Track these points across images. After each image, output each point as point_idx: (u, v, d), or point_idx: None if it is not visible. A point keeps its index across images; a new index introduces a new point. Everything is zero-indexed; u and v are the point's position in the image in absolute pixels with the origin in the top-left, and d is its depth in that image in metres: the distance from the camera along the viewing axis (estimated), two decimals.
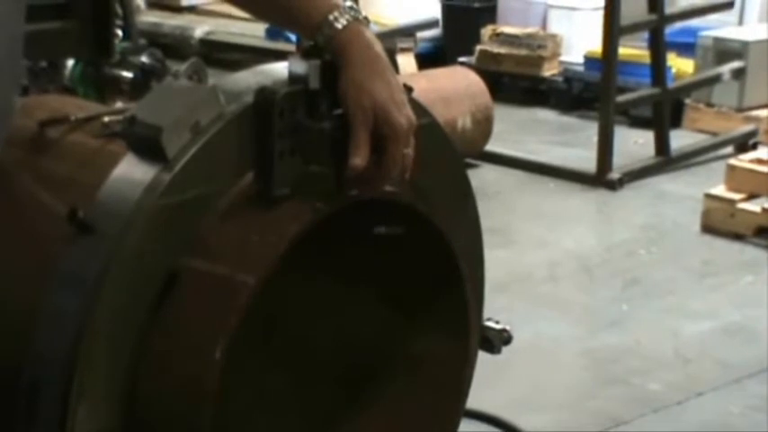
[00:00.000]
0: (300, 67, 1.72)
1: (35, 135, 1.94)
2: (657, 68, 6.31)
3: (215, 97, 1.72)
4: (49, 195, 1.86)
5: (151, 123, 1.68)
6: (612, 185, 5.92)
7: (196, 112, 1.70)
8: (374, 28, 1.78)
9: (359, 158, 1.68)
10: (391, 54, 5.46)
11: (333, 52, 1.71)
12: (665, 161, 6.26)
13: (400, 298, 1.95)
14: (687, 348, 4.22)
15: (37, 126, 1.94)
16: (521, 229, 5.41)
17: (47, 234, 1.79)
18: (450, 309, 1.91)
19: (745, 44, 6.88)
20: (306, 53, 1.73)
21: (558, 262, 5.00)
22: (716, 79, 6.78)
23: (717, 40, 7.00)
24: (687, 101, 6.97)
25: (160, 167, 1.67)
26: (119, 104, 3.89)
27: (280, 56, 1.90)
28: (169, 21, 8.67)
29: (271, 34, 7.93)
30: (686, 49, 7.14)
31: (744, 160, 5.56)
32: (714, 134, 6.73)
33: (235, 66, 2.89)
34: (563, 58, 7.41)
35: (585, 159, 6.11)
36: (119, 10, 4.62)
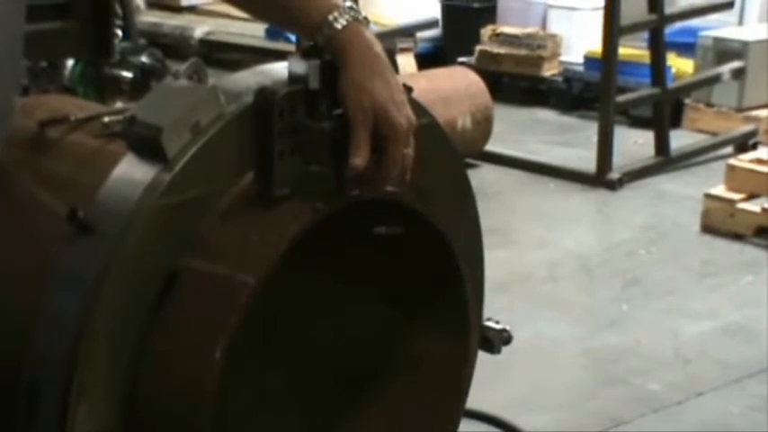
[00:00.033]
0: (300, 67, 1.72)
1: (35, 135, 1.94)
2: (657, 68, 6.31)
3: (215, 97, 1.72)
4: (49, 195, 1.86)
5: (151, 123, 1.68)
6: (612, 185, 5.92)
7: (196, 112, 1.70)
8: (374, 28, 1.78)
9: (359, 158, 1.68)
10: (391, 54, 5.47)
11: (332, 52, 1.71)
12: (665, 161, 6.26)
13: (400, 298, 1.95)
14: (687, 348, 4.22)
15: (37, 126, 1.94)
16: (521, 229, 5.41)
17: (47, 234, 1.79)
18: (450, 309, 1.91)
19: (745, 44, 6.88)
20: (306, 53, 1.73)
21: (558, 262, 5.00)
22: (716, 79, 6.78)
23: (717, 40, 7.00)
24: (687, 101, 6.97)
25: (160, 167, 1.67)
26: (119, 104, 3.88)
27: (280, 56, 1.89)
28: (169, 21, 8.67)
29: (271, 34, 7.93)
30: (686, 49, 7.14)
31: (744, 160, 5.56)
32: (714, 134, 6.73)
33: (235, 66, 2.89)
34: (563, 58, 7.41)
35: (585, 159, 6.11)
36: (119, 10, 4.62)
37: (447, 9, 8.01)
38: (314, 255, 1.80)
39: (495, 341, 2.09)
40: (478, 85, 6.12)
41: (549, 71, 7.37)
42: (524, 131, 6.91)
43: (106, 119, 1.93)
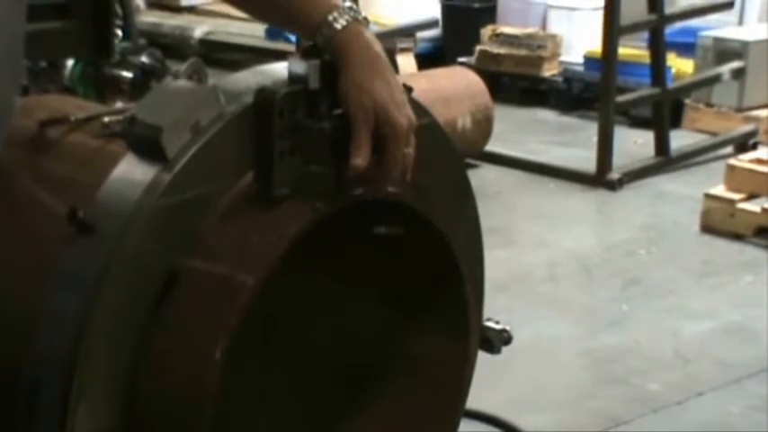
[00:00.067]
0: (300, 67, 1.72)
1: (35, 135, 1.94)
2: (657, 68, 6.31)
3: (215, 97, 1.72)
4: (49, 195, 1.86)
5: (151, 123, 1.68)
6: (612, 185, 5.92)
7: (196, 112, 1.70)
8: (374, 28, 1.78)
9: (360, 158, 1.68)
10: (391, 54, 5.47)
11: (332, 53, 1.71)
12: (665, 161, 6.26)
13: (400, 298, 1.95)
14: (687, 348, 4.22)
15: (37, 126, 1.94)
16: (521, 229, 5.41)
17: (47, 234, 1.79)
18: (450, 309, 1.91)
19: (745, 44, 6.88)
20: (305, 53, 1.73)
21: (558, 262, 5.00)
22: (716, 79, 6.78)
23: (717, 40, 7.00)
24: (687, 101, 6.97)
25: (160, 167, 1.67)
26: (119, 104, 3.88)
27: (280, 56, 1.90)
28: (169, 21, 8.67)
29: (270, 34, 7.93)
30: (686, 49, 7.14)
31: (743, 160, 5.56)
32: (714, 134, 6.73)
33: (235, 66, 2.89)
34: (563, 58, 7.41)
35: (585, 159, 6.11)
36: (119, 10, 4.62)
37: (447, 9, 8.01)
38: (314, 255, 1.80)
39: (495, 341, 2.09)
40: (478, 85, 6.12)
41: (548, 71, 7.37)
42: (524, 131, 6.91)
43: (106, 119, 1.93)
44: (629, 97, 6.33)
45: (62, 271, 1.69)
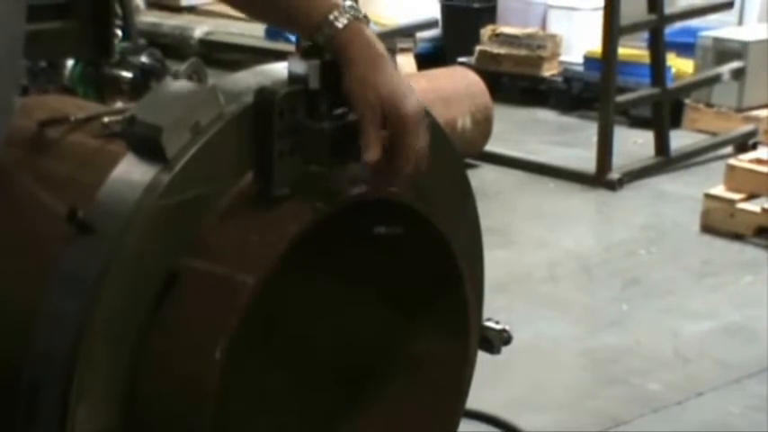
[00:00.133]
0: (300, 67, 1.72)
1: (35, 135, 1.94)
2: (657, 68, 6.31)
3: (215, 97, 1.72)
4: (49, 195, 1.86)
5: (151, 123, 1.68)
6: (612, 185, 5.93)
7: (196, 112, 1.70)
8: (374, 28, 1.77)
9: (372, 152, 1.67)
10: (391, 54, 5.47)
11: (334, 51, 1.71)
12: (665, 161, 6.26)
13: (400, 298, 1.95)
14: (687, 348, 4.22)
15: (36, 126, 1.94)
16: (521, 229, 5.41)
17: (47, 234, 1.79)
18: (450, 309, 1.91)
19: (745, 44, 6.88)
20: (305, 53, 1.73)
21: (558, 262, 5.00)
22: (715, 79, 6.78)
23: (716, 40, 7.00)
24: (687, 101, 6.98)
25: (160, 168, 1.67)
26: (119, 104, 3.88)
27: (279, 56, 1.89)
28: (169, 21, 8.67)
29: (270, 34, 7.93)
30: (686, 49, 7.14)
31: (743, 160, 5.56)
32: (714, 134, 6.73)
33: (234, 66, 2.89)
34: (563, 58, 7.42)
35: (585, 159, 6.11)
36: (119, 10, 4.62)
37: (447, 9, 8.01)
38: (314, 255, 1.80)
39: (495, 341, 2.08)
40: (478, 85, 6.12)
41: (548, 71, 7.38)
42: (524, 131, 6.91)
43: (106, 119, 1.93)
44: (628, 97, 6.33)
45: (62, 271, 1.69)
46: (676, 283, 4.81)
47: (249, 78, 1.78)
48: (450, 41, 7.93)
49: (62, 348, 1.64)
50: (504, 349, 2.11)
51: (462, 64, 7.20)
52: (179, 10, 8.94)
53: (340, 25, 1.70)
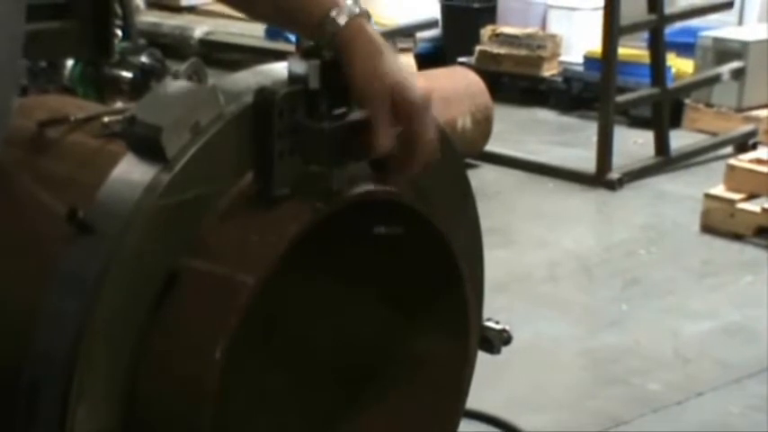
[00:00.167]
0: (300, 67, 1.72)
1: (35, 135, 1.94)
2: (657, 68, 6.31)
3: (215, 97, 1.72)
4: (49, 195, 1.86)
5: (151, 123, 1.67)
6: (612, 185, 5.93)
7: (196, 112, 1.69)
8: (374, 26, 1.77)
9: (383, 139, 1.67)
10: None
11: (336, 49, 1.70)
12: (665, 161, 6.27)
13: (400, 298, 1.94)
14: (687, 348, 4.22)
15: (36, 126, 1.94)
16: (521, 229, 5.41)
17: (47, 234, 1.79)
18: (450, 309, 1.91)
19: (745, 44, 6.88)
20: (305, 53, 1.73)
21: (558, 262, 5.00)
22: (715, 79, 6.78)
23: (716, 40, 7.00)
24: (687, 101, 6.98)
25: (160, 167, 1.67)
26: (119, 104, 3.88)
27: (279, 56, 1.89)
28: (169, 21, 8.67)
29: (270, 34, 7.93)
30: (686, 49, 7.14)
31: (743, 160, 5.57)
32: (714, 134, 6.73)
33: (234, 66, 2.89)
34: (562, 58, 7.42)
35: (585, 159, 6.12)
36: (118, 10, 4.62)
37: (447, 9, 8.01)
38: (314, 255, 1.80)
39: (495, 341, 2.08)
40: (478, 85, 6.12)
41: (548, 71, 7.38)
42: (524, 131, 6.91)
43: (106, 119, 1.93)
44: (628, 97, 6.33)
45: (62, 271, 1.69)
46: (676, 283, 4.82)
47: (249, 78, 1.78)
48: (450, 41, 7.93)
49: (62, 348, 1.64)
50: (504, 349, 2.11)
51: (462, 64, 7.20)
52: (179, 10, 8.94)
53: (342, 22, 1.70)
